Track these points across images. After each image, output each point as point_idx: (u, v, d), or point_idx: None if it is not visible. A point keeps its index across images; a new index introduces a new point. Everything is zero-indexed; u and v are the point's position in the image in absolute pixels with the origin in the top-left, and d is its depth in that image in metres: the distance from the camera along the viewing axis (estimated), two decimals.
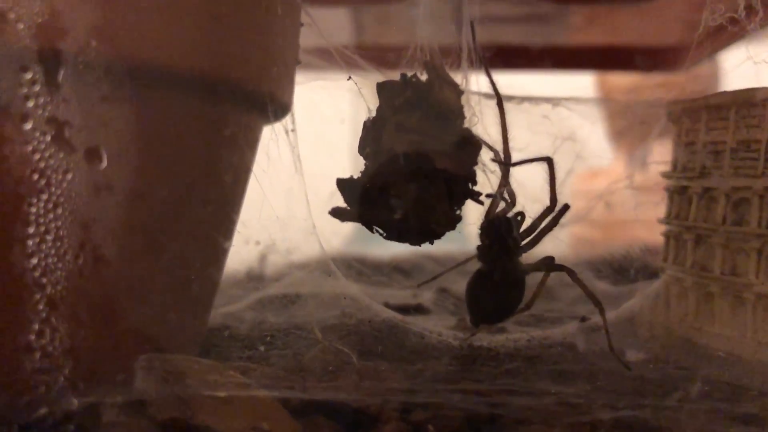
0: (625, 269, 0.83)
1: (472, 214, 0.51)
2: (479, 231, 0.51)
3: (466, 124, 0.47)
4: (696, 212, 0.59)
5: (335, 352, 0.49)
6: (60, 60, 0.37)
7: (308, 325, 0.56)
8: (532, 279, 0.55)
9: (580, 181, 1.66)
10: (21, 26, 0.37)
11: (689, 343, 0.58)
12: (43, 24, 0.37)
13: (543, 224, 0.51)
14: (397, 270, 0.88)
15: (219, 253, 0.48)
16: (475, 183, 0.47)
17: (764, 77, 0.55)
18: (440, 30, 0.57)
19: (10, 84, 0.37)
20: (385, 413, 0.41)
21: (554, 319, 0.66)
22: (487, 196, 0.49)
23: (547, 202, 0.51)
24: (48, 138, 0.38)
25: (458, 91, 0.45)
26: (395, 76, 0.47)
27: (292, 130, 0.55)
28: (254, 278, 0.81)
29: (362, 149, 0.47)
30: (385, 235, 0.46)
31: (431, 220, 0.45)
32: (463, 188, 0.46)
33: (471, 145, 0.45)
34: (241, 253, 0.56)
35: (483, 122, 0.52)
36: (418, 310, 0.70)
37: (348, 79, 0.50)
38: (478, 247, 0.51)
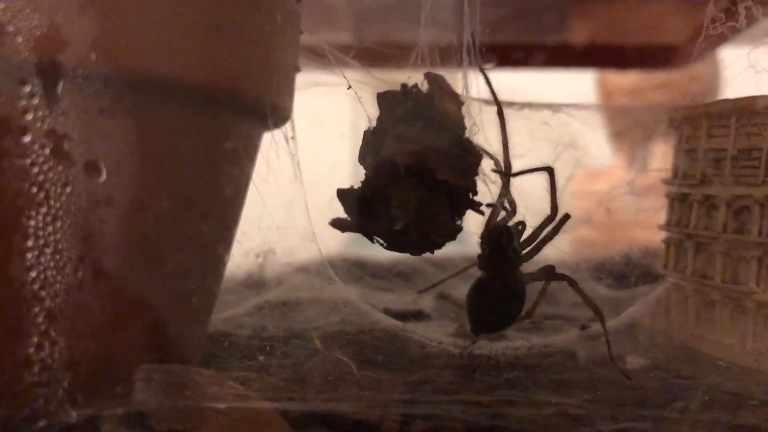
0: (625, 273, 0.83)
1: (473, 222, 0.51)
2: (480, 240, 0.51)
3: (466, 134, 0.46)
4: (696, 220, 0.59)
5: (335, 362, 0.49)
6: (59, 73, 0.37)
7: (308, 333, 0.56)
8: (533, 286, 0.55)
9: (580, 182, 1.65)
10: (20, 39, 0.36)
11: (690, 351, 0.58)
12: (41, 37, 0.37)
13: (543, 233, 0.51)
14: (398, 274, 0.87)
15: (218, 265, 0.48)
16: (475, 193, 0.46)
17: (765, 84, 0.55)
18: (441, 35, 0.57)
19: (8, 97, 0.37)
20: (385, 424, 0.41)
21: (554, 326, 0.65)
22: (488, 205, 0.49)
23: (548, 212, 0.51)
24: (47, 151, 0.37)
25: (459, 102, 0.45)
26: (396, 81, 0.47)
27: (292, 137, 0.55)
28: (253, 284, 0.81)
29: (362, 159, 0.47)
30: (385, 245, 0.46)
31: (432, 230, 0.45)
32: (463, 199, 0.45)
33: (471, 155, 0.45)
34: (239, 261, 0.55)
35: (484, 130, 0.52)
36: (419, 316, 0.70)
37: (348, 89, 0.50)
38: (479, 256, 0.51)
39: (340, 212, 0.48)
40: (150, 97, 0.40)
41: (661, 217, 0.66)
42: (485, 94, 0.54)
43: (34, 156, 0.37)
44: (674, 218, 0.63)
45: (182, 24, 0.41)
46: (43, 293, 0.38)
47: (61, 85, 0.37)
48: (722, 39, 0.65)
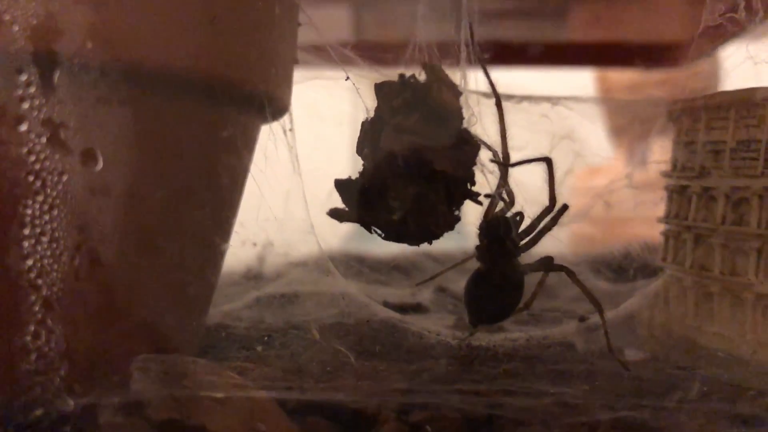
0: (624, 267, 0.83)
1: (471, 214, 0.51)
2: (478, 231, 0.51)
3: (464, 125, 0.46)
4: (695, 212, 0.59)
5: (333, 353, 0.49)
6: (55, 62, 0.37)
7: (306, 324, 0.56)
8: (532, 278, 0.55)
9: (579, 179, 1.65)
10: (16, 28, 0.36)
11: (688, 343, 0.58)
12: (38, 26, 0.37)
13: (542, 224, 0.51)
14: (396, 269, 0.88)
15: (216, 255, 0.48)
16: (473, 184, 0.46)
17: (764, 76, 0.55)
18: (439, 28, 0.57)
19: (5, 86, 0.37)
20: (383, 414, 0.41)
21: (553, 318, 0.65)
22: (486, 196, 0.49)
23: (546, 202, 0.50)
24: (43, 140, 0.37)
25: (457, 93, 0.45)
26: (394, 74, 0.47)
27: (290, 130, 0.55)
28: (252, 277, 0.81)
29: (360, 150, 0.47)
30: (383, 235, 0.46)
31: (430, 221, 0.45)
32: (461, 189, 0.45)
33: (469, 146, 0.45)
34: (238, 254, 0.55)
35: (482, 122, 0.52)
36: (417, 309, 0.70)
37: (346, 80, 0.50)
38: (477, 248, 0.51)
39: (338, 205, 0.48)
40: (147, 87, 0.40)
41: (660, 211, 0.66)
42: (483, 86, 0.54)
43: (30, 145, 0.37)
44: (673, 210, 0.62)
45: (179, 14, 0.41)
46: (39, 282, 0.38)
47: (57, 74, 0.37)
48: (722, 37, 0.65)
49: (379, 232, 0.46)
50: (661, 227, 0.65)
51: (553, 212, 0.50)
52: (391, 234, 0.46)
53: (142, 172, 0.40)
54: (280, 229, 0.55)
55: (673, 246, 0.62)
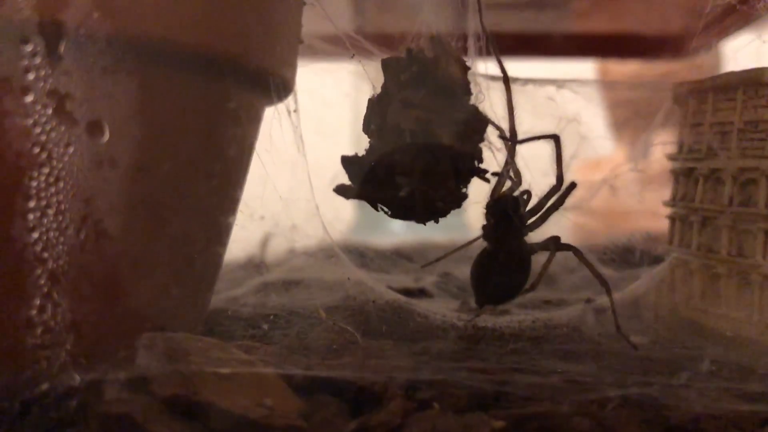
0: (628, 254, 0.82)
1: (478, 193, 0.50)
2: (484, 210, 0.50)
3: (472, 102, 0.46)
4: (702, 194, 0.58)
5: (339, 332, 0.49)
6: (61, 32, 0.37)
7: (312, 306, 0.56)
8: (537, 262, 0.55)
9: (583, 171, 1.65)
10: None
11: (695, 325, 0.58)
12: None
13: (549, 203, 0.51)
14: (400, 256, 0.87)
15: (222, 229, 0.48)
16: (481, 160, 0.46)
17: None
18: (445, 13, 0.57)
19: (10, 56, 0.36)
20: (390, 391, 0.41)
21: (558, 302, 0.65)
22: (493, 174, 0.49)
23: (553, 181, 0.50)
24: (49, 111, 0.37)
25: (464, 67, 0.45)
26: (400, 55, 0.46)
27: (295, 111, 0.55)
28: (256, 264, 0.81)
29: (367, 127, 0.47)
30: (390, 213, 0.46)
31: (437, 197, 0.44)
32: (469, 165, 0.45)
33: (478, 121, 0.44)
34: (244, 234, 0.55)
35: (489, 102, 0.51)
36: (421, 294, 0.70)
37: (351, 57, 0.50)
38: (484, 227, 0.51)
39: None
40: (152, 59, 0.40)
41: (664, 198, 0.66)
42: (491, 69, 0.53)
43: (36, 116, 0.37)
44: (680, 193, 0.62)
45: None
46: (45, 255, 0.38)
47: (63, 44, 0.37)
48: (725, 29, 0.65)
49: (385, 209, 0.46)
50: (665, 215, 0.65)
51: (561, 191, 0.50)
52: (398, 211, 0.45)
53: (148, 145, 0.40)
54: (285, 211, 0.55)
55: (680, 229, 0.62)
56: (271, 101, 0.52)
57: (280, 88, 0.51)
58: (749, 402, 0.42)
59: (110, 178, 0.39)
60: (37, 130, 0.37)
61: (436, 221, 0.47)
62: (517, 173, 0.51)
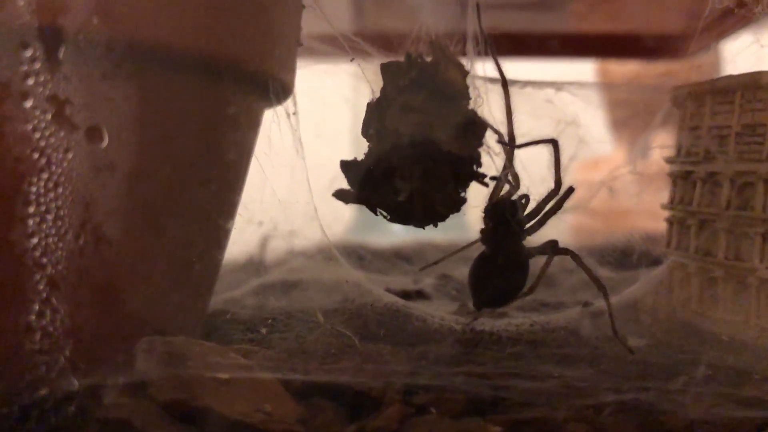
0: (627, 256, 0.82)
1: (477, 197, 0.50)
2: (483, 214, 0.51)
3: (471, 106, 0.46)
4: (700, 197, 0.59)
5: (337, 335, 0.49)
6: (61, 37, 0.37)
7: (310, 309, 0.56)
8: (535, 265, 0.55)
9: (580, 172, 1.65)
10: (21, 2, 0.36)
11: (692, 328, 0.58)
12: (43, 1, 0.36)
13: (547, 207, 0.51)
14: (399, 257, 0.87)
15: (221, 234, 0.48)
16: (480, 165, 0.46)
17: (766, 65, 0.55)
18: (444, 15, 0.57)
19: (10, 61, 0.36)
20: (388, 396, 0.41)
21: (556, 305, 0.65)
22: (492, 178, 0.49)
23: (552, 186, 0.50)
24: (48, 116, 0.37)
25: (464, 72, 0.45)
26: (399, 59, 0.47)
27: (294, 113, 0.55)
28: (255, 265, 0.81)
29: (366, 131, 0.47)
30: (388, 217, 0.46)
31: (436, 202, 0.44)
32: (468, 170, 0.45)
33: (476, 126, 0.45)
34: (243, 236, 0.55)
35: (488, 106, 0.51)
36: (419, 295, 0.70)
37: (351, 61, 0.50)
38: (482, 231, 0.51)
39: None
40: (152, 64, 0.40)
41: (662, 200, 0.66)
42: (488, 72, 0.53)
43: (35, 121, 0.37)
44: (677, 196, 0.62)
45: None
46: (44, 260, 0.38)
47: (63, 49, 0.37)
48: (724, 29, 0.65)
49: (384, 213, 0.46)
50: (663, 216, 0.65)
51: (559, 195, 0.50)
52: (397, 215, 0.46)
53: (147, 150, 0.40)
54: (283, 214, 0.55)
55: (678, 232, 0.62)
56: (270, 104, 0.52)
57: (279, 91, 0.51)
58: (745, 407, 0.42)
59: (109, 184, 0.39)
60: (37, 135, 0.37)
61: (435, 225, 0.47)
62: (516, 177, 0.51)
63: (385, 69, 0.45)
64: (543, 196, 0.50)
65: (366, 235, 1.05)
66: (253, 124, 0.50)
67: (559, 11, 1.15)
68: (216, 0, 0.43)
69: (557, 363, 0.48)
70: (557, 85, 0.65)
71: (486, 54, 0.52)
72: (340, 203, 0.49)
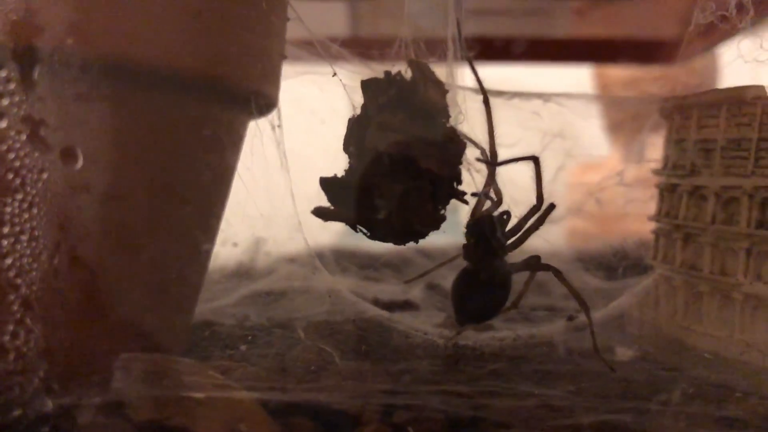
0: (616, 265, 0.82)
1: (465, 209, 0.50)
2: (465, 230, 0.50)
3: (451, 123, 0.46)
4: (686, 210, 0.58)
5: (317, 352, 0.49)
6: (35, 58, 0.37)
7: (292, 323, 0.56)
8: (521, 276, 0.55)
9: (574, 175, 1.65)
10: None
11: (677, 343, 0.58)
12: (17, 21, 0.36)
13: (529, 223, 0.51)
14: (387, 265, 0.87)
15: (200, 254, 0.48)
16: (460, 182, 0.46)
17: (762, 70, 0.55)
18: (430, 23, 0.56)
19: None
20: (367, 415, 0.41)
21: (544, 315, 0.65)
22: (473, 195, 0.49)
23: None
24: (23, 137, 0.37)
25: (443, 90, 0.45)
26: (384, 69, 0.46)
27: (279, 126, 0.55)
28: (244, 273, 0.81)
29: (347, 147, 0.47)
30: (369, 234, 0.46)
31: (415, 219, 0.44)
32: (447, 188, 0.45)
33: (455, 144, 0.44)
34: (226, 251, 0.55)
35: (470, 119, 0.51)
36: (407, 306, 0.70)
37: (333, 76, 0.50)
38: (464, 246, 0.51)
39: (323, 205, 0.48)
40: (128, 83, 0.40)
41: (653, 208, 0.66)
42: (472, 82, 0.53)
43: (10, 142, 0.37)
44: (664, 209, 0.62)
45: (161, 9, 0.40)
46: (18, 281, 0.38)
47: (37, 70, 0.37)
48: (716, 36, 0.65)
49: (364, 231, 0.46)
50: (653, 225, 0.65)
51: (541, 211, 0.50)
52: (377, 233, 0.45)
53: (123, 170, 0.40)
54: (267, 227, 0.55)
55: (664, 244, 0.62)
56: (252, 116, 0.51)
57: (263, 105, 0.51)
58: (725, 427, 0.42)
59: (85, 204, 0.39)
60: (11, 155, 0.37)
61: (416, 242, 0.47)
62: (498, 192, 0.51)
63: (365, 86, 0.45)
64: (524, 212, 0.50)
65: (356, 240, 1.05)
66: (236, 139, 0.50)
67: (555, 17, 1.15)
68: (196, 17, 0.42)
69: (538, 380, 0.48)
70: (545, 96, 0.65)
71: (468, 64, 0.51)
72: None
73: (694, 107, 0.59)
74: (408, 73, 0.45)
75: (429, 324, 0.60)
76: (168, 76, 0.41)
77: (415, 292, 0.74)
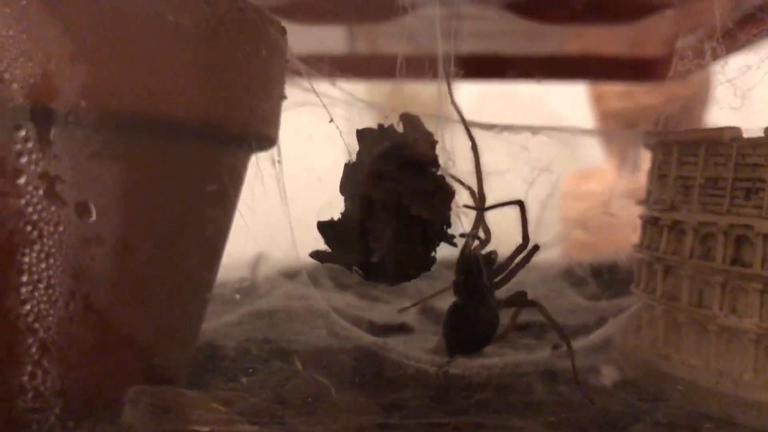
0: (614, 273, 0.85)
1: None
2: (455, 267, 0.53)
3: (441, 170, 0.49)
4: (666, 243, 0.61)
5: (314, 384, 0.52)
6: (52, 119, 0.39)
7: (290, 354, 0.59)
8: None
9: (572, 183, 1.68)
10: (15, 86, 0.38)
11: (657, 370, 0.60)
12: (35, 84, 0.39)
13: (515, 262, 0.53)
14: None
15: (204, 292, 0.51)
16: (449, 226, 0.49)
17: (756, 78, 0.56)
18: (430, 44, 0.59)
19: (4, 141, 0.39)
20: None
21: (540, 325, 0.68)
22: (461, 236, 0.51)
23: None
24: (40, 192, 0.40)
25: (433, 143, 0.47)
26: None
27: (279, 161, 0.57)
28: (245, 290, 0.83)
29: (343, 190, 0.50)
30: (363, 275, 0.49)
31: (407, 263, 0.47)
32: (437, 232, 0.48)
33: (444, 192, 0.47)
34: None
35: (460, 155, 0.54)
36: (402, 329, 0.73)
37: (330, 122, 0.52)
38: (454, 282, 0.54)
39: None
40: (138, 137, 0.43)
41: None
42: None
43: (28, 197, 0.40)
44: (646, 241, 0.65)
45: (168, 65, 0.43)
46: (36, 325, 0.40)
47: (53, 130, 0.40)
48: (704, 57, 0.67)
49: (359, 272, 0.49)
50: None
51: (526, 251, 0.53)
52: (371, 274, 0.48)
53: (133, 222, 0.43)
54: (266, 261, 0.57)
55: (646, 274, 0.65)
56: (253, 152, 0.54)
57: (263, 144, 0.54)
58: None
59: (97, 255, 0.42)
60: (29, 209, 0.40)
61: (408, 281, 0.50)
62: (487, 232, 0.53)
63: (360, 135, 0.48)
64: (511, 252, 0.53)
65: None
66: (238, 180, 0.53)
67: (550, 36, 1.17)
68: (201, 69, 0.45)
69: (522, 411, 0.50)
70: (533, 129, 0.68)
71: (456, 110, 0.54)
72: None
73: (674, 144, 0.61)
74: (400, 126, 0.47)
75: (422, 350, 0.62)
76: (175, 127, 0.44)
77: (411, 314, 0.77)
